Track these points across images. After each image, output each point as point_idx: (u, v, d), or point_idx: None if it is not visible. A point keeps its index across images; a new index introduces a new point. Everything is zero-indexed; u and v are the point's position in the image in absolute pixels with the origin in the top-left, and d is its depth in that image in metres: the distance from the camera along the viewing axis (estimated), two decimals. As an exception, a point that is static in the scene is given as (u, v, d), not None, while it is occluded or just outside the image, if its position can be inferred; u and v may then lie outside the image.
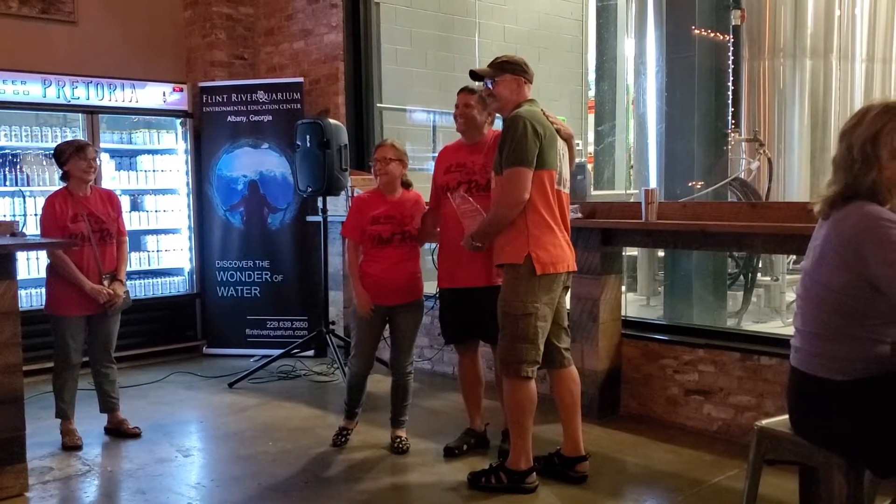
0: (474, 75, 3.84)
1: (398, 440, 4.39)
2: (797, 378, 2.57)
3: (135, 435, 4.64)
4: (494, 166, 3.66)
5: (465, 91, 4.16)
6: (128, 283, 4.79)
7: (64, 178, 4.56)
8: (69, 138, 6.19)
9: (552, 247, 3.59)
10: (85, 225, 4.47)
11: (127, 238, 4.79)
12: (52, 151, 4.63)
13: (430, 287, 5.63)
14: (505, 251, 3.62)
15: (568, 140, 3.81)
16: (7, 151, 6.08)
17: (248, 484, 3.93)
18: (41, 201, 6.10)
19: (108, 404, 4.70)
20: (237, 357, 6.61)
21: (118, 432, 4.66)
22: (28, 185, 6.08)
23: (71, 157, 4.48)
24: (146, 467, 4.19)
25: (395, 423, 4.46)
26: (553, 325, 3.73)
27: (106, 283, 4.51)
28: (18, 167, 6.07)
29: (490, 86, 3.75)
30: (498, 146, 3.62)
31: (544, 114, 3.68)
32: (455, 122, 4.20)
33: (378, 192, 4.36)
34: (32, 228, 5.80)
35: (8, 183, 6.00)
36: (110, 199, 4.73)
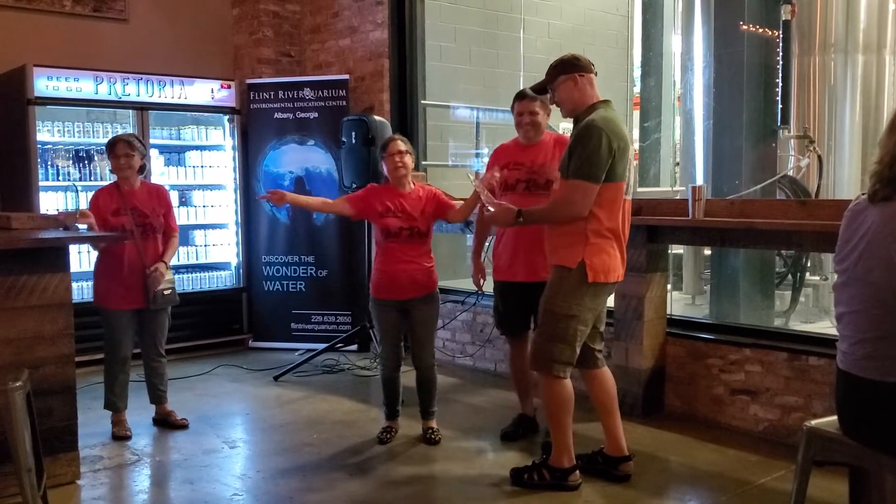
0: (536, 90, 3.81)
1: (430, 431, 4.44)
2: (846, 381, 2.52)
3: (182, 426, 4.72)
4: (561, 168, 3.61)
5: (525, 99, 4.20)
6: (176, 277, 4.84)
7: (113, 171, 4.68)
8: (119, 133, 6.34)
9: (607, 256, 3.55)
10: (127, 219, 4.52)
11: (177, 234, 4.82)
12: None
13: (467, 283, 5.64)
14: (560, 253, 3.58)
15: None
16: (60, 147, 6.21)
17: (293, 475, 3.98)
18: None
19: (155, 396, 4.78)
20: (282, 351, 6.69)
21: (166, 423, 4.74)
22: (80, 180, 6.21)
23: (108, 154, 4.62)
24: (193, 458, 4.26)
25: (424, 414, 4.51)
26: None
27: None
28: (71, 162, 6.21)
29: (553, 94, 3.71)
30: (569, 148, 3.56)
31: None
32: (520, 129, 4.25)
33: (392, 187, 4.39)
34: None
35: (61, 178, 6.14)
36: (158, 193, 4.76)
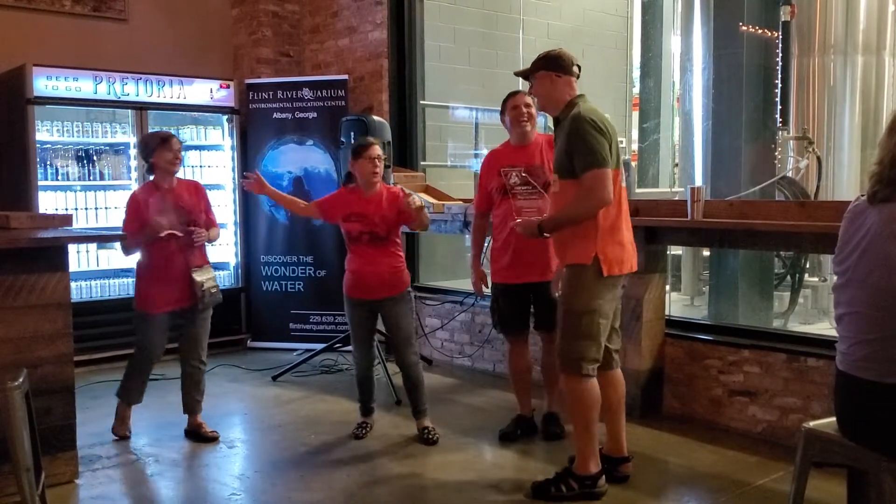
0: (520, 74, 3.83)
1: (425, 430, 4.46)
2: (845, 382, 2.52)
3: (213, 439, 4.48)
4: (559, 170, 3.59)
5: (519, 93, 4.26)
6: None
7: (150, 170, 4.46)
8: (119, 134, 6.33)
9: (619, 248, 3.55)
10: (172, 218, 4.34)
11: (219, 228, 4.69)
12: (137, 144, 4.50)
13: (466, 284, 5.65)
14: (571, 251, 3.56)
15: None
16: (59, 146, 6.20)
17: (291, 475, 3.98)
18: (91, 196, 6.22)
19: (190, 405, 4.57)
20: (281, 351, 6.69)
21: (197, 435, 4.52)
22: (80, 179, 6.20)
23: (157, 149, 4.36)
24: (192, 457, 4.26)
25: (416, 413, 4.54)
26: None
27: (196, 276, 4.37)
28: (70, 162, 6.19)
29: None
30: (564, 149, 3.54)
31: None
32: (518, 124, 4.24)
33: (358, 190, 4.40)
34: (82, 222, 5.93)
35: (60, 177, 6.13)
36: (197, 190, 4.59)
